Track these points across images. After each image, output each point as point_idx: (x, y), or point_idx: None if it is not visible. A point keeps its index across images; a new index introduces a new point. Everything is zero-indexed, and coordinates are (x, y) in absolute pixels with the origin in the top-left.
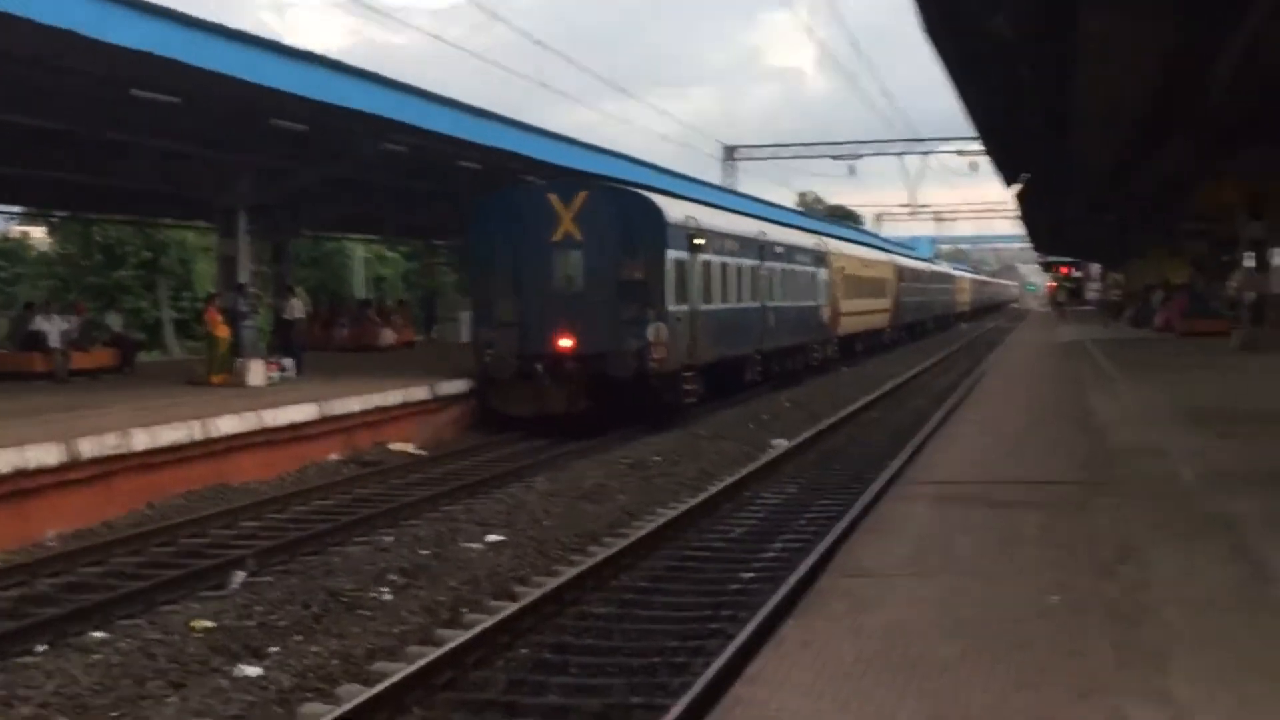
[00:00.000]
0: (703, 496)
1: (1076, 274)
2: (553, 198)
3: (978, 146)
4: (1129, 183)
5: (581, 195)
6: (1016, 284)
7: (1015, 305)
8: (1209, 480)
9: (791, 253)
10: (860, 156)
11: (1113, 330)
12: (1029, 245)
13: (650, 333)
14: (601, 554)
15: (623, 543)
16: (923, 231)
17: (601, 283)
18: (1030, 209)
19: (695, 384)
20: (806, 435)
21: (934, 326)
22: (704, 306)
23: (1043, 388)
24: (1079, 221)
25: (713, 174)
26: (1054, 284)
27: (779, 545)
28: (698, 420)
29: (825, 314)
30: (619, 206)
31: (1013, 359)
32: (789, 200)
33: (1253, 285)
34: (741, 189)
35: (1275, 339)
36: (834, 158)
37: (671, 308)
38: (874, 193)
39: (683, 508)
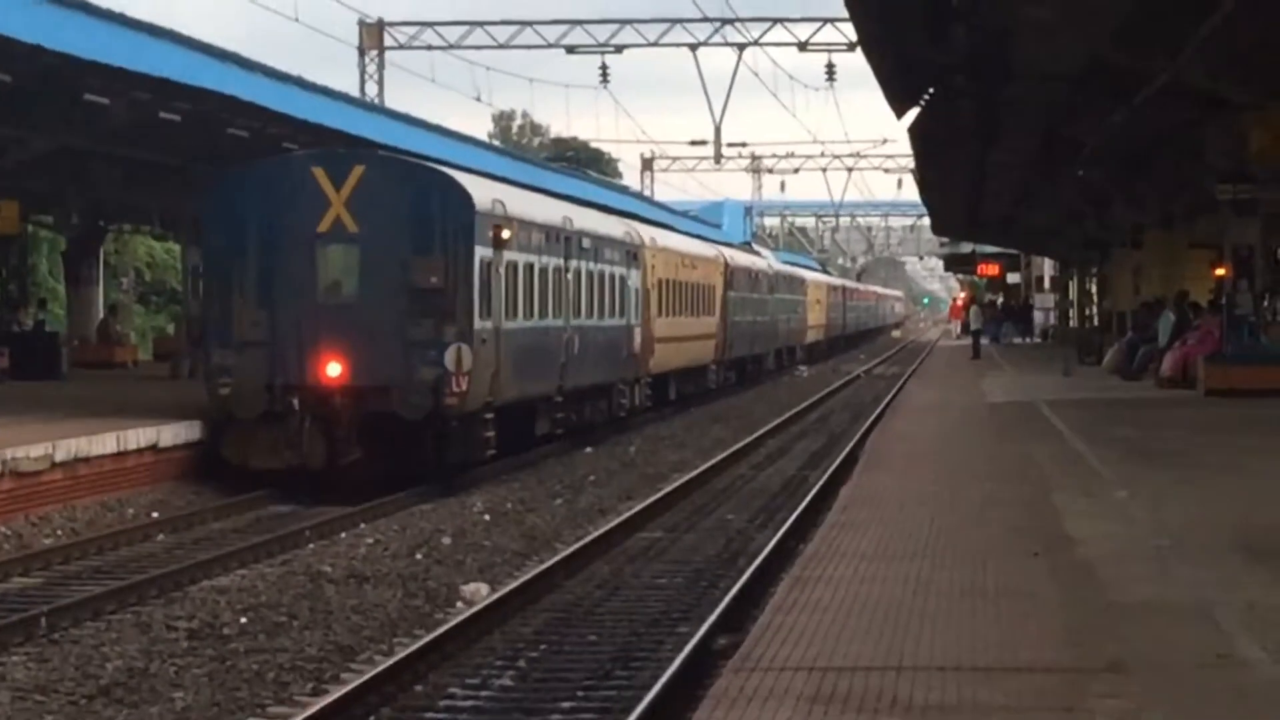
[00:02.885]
0: (338, 693)
1: (1012, 278)
2: (318, 173)
3: (841, 36)
4: (1114, 104)
5: (358, 170)
6: (901, 295)
7: (897, 334)
8: None
9: (599, 247)
10: (620, 49)
11: (1082, 381)
12: (921, 219)
13: (450, 358)
14: None
15: None
16: (732, 190)
17: (385, 290)
18: (932, 155)
19: (493, 430)
20: (530, 573)
21: (774, 365)
22: (507, 324)
23: (975, 490)
24: (1019, 181)
25: (344, 75)
26: (968, 295)
27: None
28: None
29: (637, 339)
30: (410, 187)
31: (912, 434)
32: (481, 126)
33: None
34: (392, 102)
35: None
36: (570, 50)
37: (477, 324)
38: (644, 116)
39: (299, 718)
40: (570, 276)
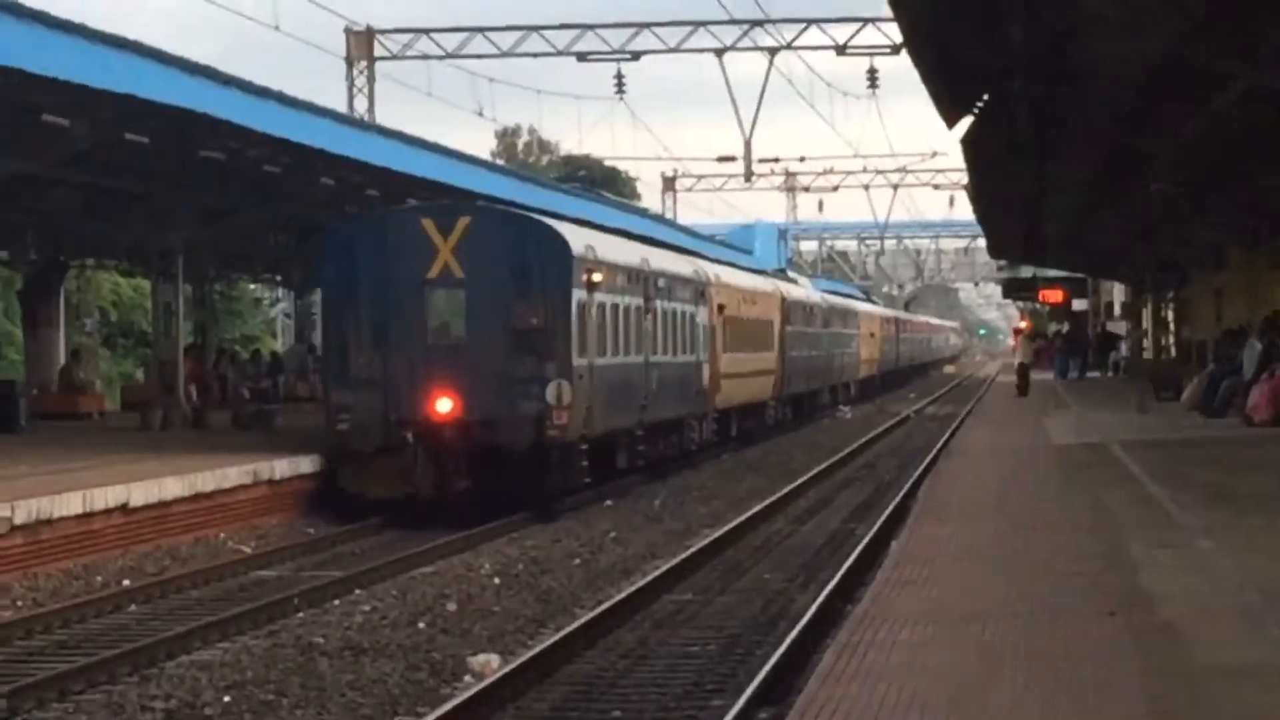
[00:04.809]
0: None
1: (1078, 304)
2: (427, 224)
3: (884, 38)
4: (1189, 110)
5: (463, 221)
6: (956, 326)
7: (951, 369)
8: None
9: (672, 286)
10: (637, 56)
11: (1159, 420)
12: (976, 241)
13: (551, 394)
14: None
15: None
16: (764, 211)
17: (490, 330)
18: (986, 169)
19: (587, 461)
20: (546, 642)
21: (829, 400)
22: (599, 361)
23: (1042, 543)
24: (1084, 197)
25: (331, 88)
26: (1029, 325)
27: None
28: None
29: (705, 375)
30: (512, 235)
31: (970, 481)
32: (484, 141)
33: None
34: (384, 117)
35: None
36: (581, 57)
37: (575, 362)
38: (665, 131)
39: None
40: (649, 315)
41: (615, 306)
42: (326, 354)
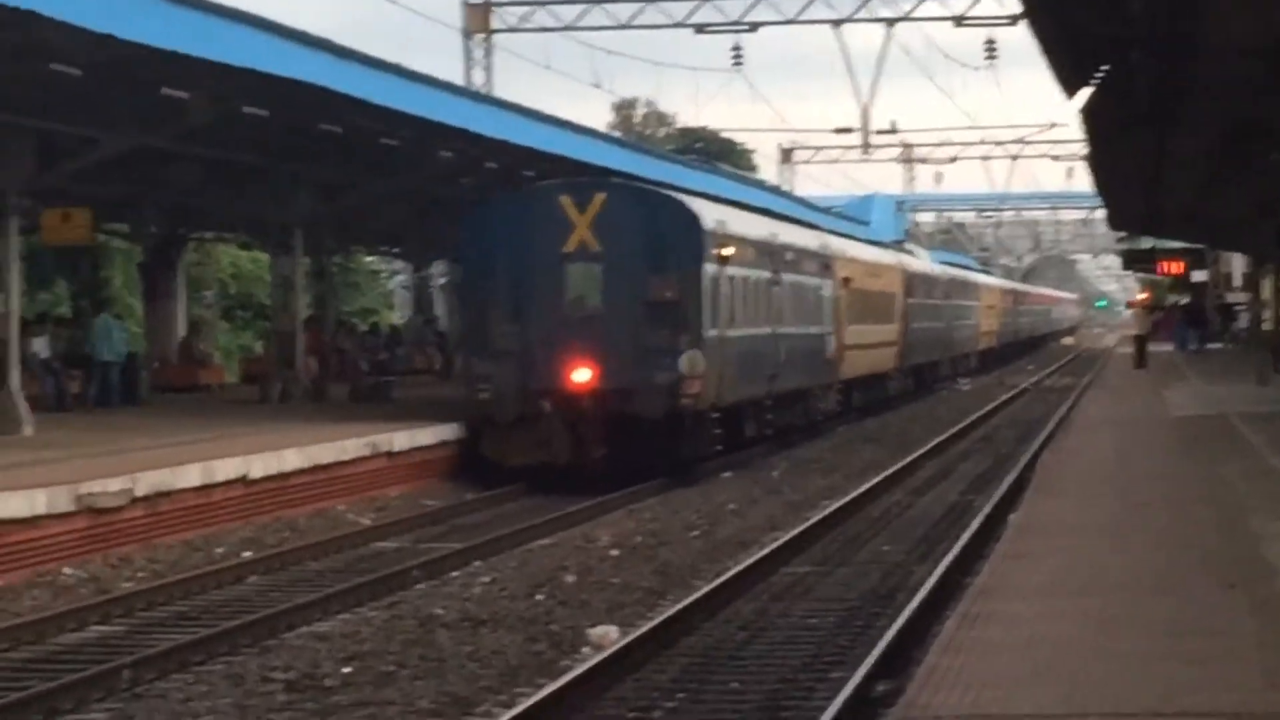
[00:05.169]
0: None
1: (1197, 275)
2: (565, 200)
3: (1002, 9)
4: None
5: (599, 198)
6: (1075, 298)
7: (1070, 341)
8: None
9: (800, 259)
10: (755, 28)
11: (1278, 391)
12: (1095, 213)
13: (684, 364)
14: None
15: None
16: (881, 183)
17: (625, 303)
18: (1106, 140)
19: (720, 429)
20: (665, 614)
21: (949, 372)
22: (730, 333)
23: (1161, 516)
24: (1204, 169)
25: (448, 62)
26: (1146, 296)
27: None
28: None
29: (831, 346)
30: (646, 211)
31: (1089, 453)
32: (601, 114)
33: None
34: (502, 90)
35: None
36: (699, 29)
37: (707, 333)
38: (782, 103)
39: None
40: (777, 288)
41: (745, 279)
42: (466, 326)
